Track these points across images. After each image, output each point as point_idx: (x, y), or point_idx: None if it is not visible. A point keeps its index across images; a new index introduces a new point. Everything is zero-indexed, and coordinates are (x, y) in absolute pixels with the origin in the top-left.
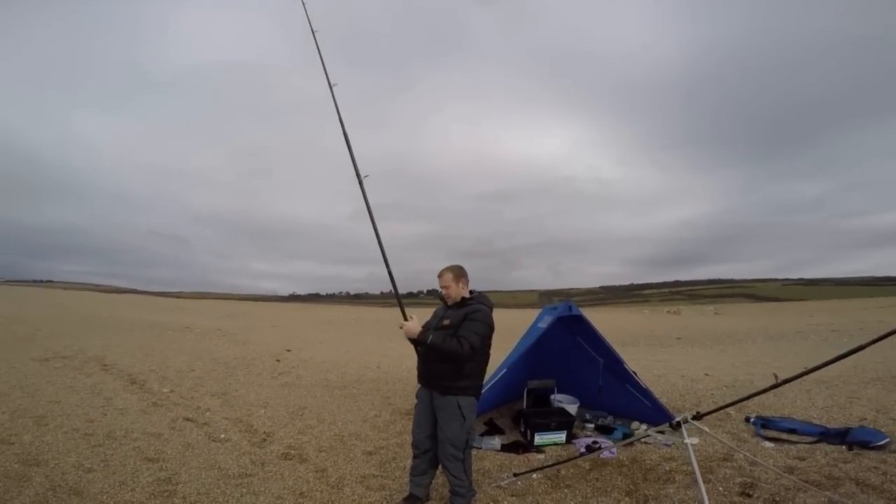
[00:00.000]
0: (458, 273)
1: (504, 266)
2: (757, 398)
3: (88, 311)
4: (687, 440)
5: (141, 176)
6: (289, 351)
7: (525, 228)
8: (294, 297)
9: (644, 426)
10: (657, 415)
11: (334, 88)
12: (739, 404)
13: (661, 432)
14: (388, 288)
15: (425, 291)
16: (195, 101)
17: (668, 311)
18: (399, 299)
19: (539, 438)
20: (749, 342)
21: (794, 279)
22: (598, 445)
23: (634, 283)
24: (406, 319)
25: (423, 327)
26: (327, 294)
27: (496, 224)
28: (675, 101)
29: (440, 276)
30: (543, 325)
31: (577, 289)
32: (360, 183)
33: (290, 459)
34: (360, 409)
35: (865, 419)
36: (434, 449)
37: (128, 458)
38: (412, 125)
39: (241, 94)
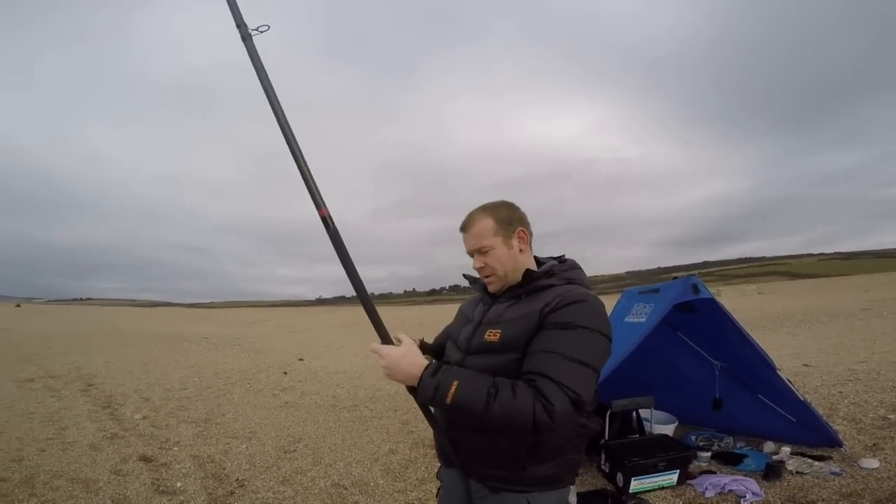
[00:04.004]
0: (507, 218)
1: None
2: (878, 396)
3: (112, 326)
4: None
5: (158, 188)
6: (301, 360)
7: (545, 216)
8: (320, 301)
9: (787, 449)
10: (803, 432)
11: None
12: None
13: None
14: (411, 286)
15: (448, 287)
16: (198, 107)
17: None
18: (365, 297)
19: (638, 484)
20: (815, 322)
21: (829, 253)
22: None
23: (661, 266)
24: (385, 341)
25: (428, 354)
26: (353, 296)
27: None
28: (693, 74)
29: (466, 227)
30: (636, 318)
31: (603, 275)
32: (245, 39)
33: None
34: (371, 440)
35: None
36: None
37: None
38: (422, 118)
39: (245, 97)
